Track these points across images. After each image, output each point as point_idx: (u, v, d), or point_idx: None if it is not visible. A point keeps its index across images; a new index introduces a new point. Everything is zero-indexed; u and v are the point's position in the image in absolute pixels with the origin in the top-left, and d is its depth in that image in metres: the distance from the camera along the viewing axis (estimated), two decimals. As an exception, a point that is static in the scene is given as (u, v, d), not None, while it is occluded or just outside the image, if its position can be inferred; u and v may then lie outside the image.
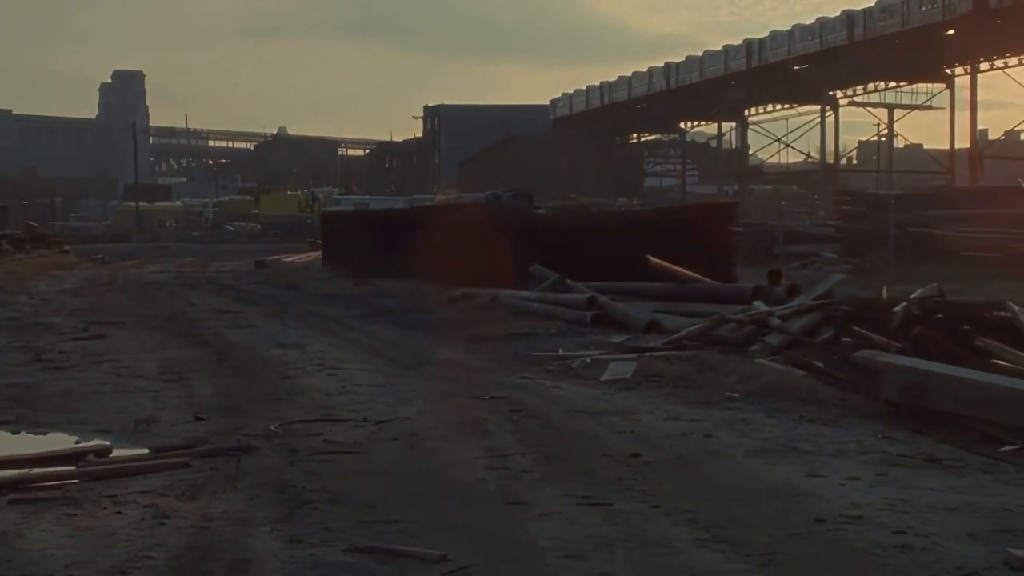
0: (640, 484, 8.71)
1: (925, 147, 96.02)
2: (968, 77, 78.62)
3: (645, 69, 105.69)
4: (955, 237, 28.73)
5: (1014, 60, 79.10)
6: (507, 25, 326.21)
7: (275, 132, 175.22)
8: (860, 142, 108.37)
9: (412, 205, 59.53)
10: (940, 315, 13.33)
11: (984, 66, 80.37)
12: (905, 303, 13.36)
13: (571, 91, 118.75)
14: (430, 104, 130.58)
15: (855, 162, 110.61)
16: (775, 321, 14.67)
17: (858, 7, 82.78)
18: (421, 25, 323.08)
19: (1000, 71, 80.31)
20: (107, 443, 10.47)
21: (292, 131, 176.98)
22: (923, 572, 6.72)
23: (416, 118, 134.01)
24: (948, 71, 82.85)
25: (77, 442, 10.68)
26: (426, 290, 25.07)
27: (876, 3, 78.04)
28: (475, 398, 12.54)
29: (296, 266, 41.63)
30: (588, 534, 7.40)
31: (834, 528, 7.55)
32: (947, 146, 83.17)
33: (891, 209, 28.27)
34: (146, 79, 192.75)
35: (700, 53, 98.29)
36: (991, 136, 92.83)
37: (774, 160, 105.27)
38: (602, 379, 13.61)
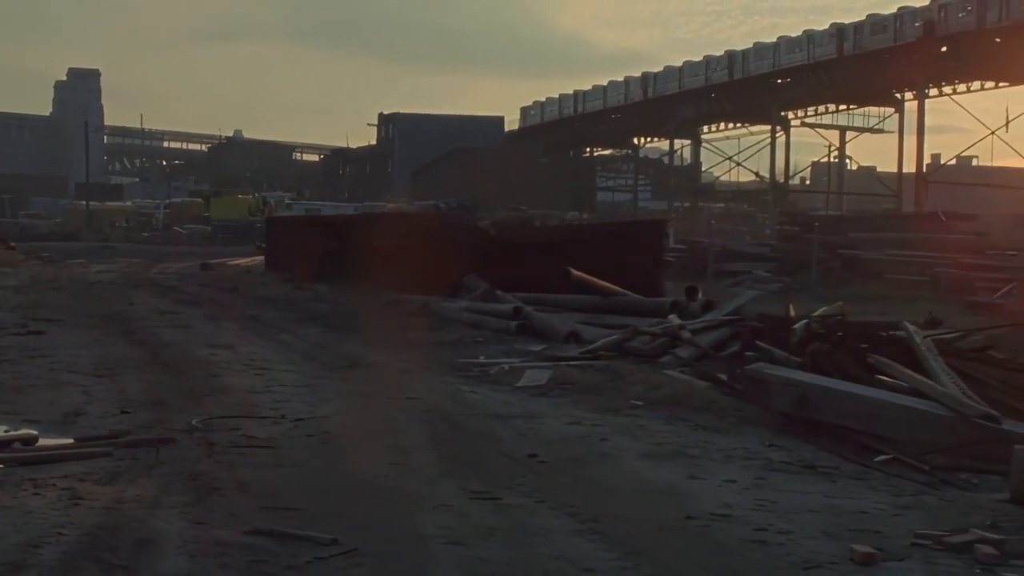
0: (532, 481, 9.30)
1: (879, 170, 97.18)
2: (929, 101, 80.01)
3: (606, 81, 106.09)
4: (881, 259, 29.55)
5: (962, 87, 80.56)
6: (467, 36, 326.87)
7: (230, 135, 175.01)
8: (814, 163, 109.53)
9: (360, 212, 59.95)
10: (841, 333, 14.04)
11: (933, 92, 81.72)
12: (805, 320, 14.05)
13: (543, 99, 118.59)
14: (385, 112, 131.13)
15: (808, 182, 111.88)
16: (686, 334, 15.35)
17: (816, 29, 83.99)
18: (381, 32, 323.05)
19: (947, 97, 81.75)
20: (35, 432, 10.90)
21: (248, 134, 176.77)
22: (772, 563, 7.34)
23: (371, 125, 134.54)
24: (898, 95, 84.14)
25: (6, 431, 11.06)
26: (363, 296, 25.61)
27: (867, 17, 78.82)
28: (392, 400, 13.12)
29: (240, 269, 42.04)
30: (474, 524, 7.98)
31: (701, 524, 8.17)
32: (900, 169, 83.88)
33: (816, 231, 29.07)
34: (102, 78, 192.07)
35: (669, 66, 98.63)
36: (943, 160, 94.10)
37: (728, 178, 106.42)
38: (517, 385, 14.25)
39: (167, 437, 10.67)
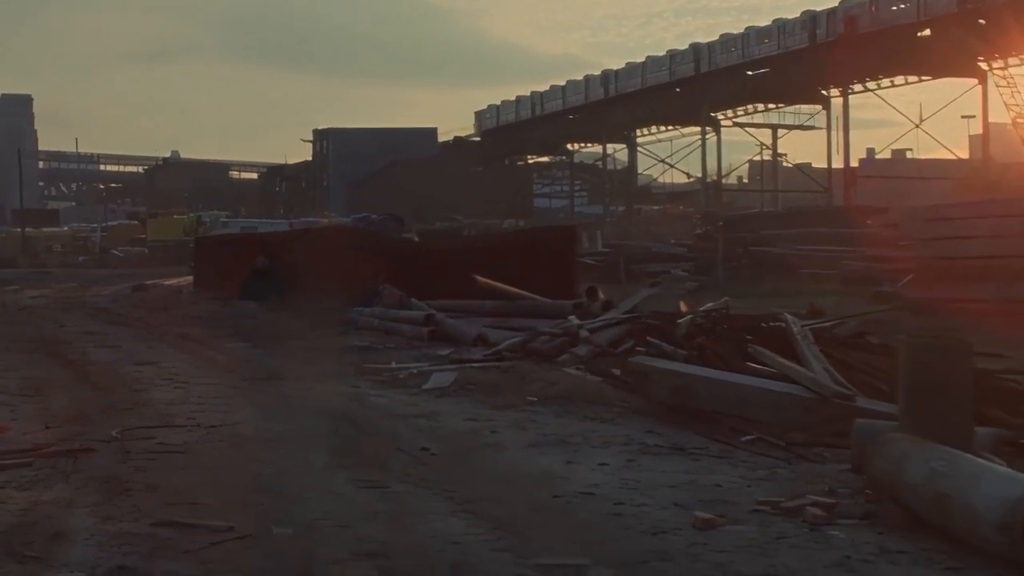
0: (420, 472, 10.16)
1: (814, 165, 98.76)
2: (855, 97, 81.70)
3: (549, 85, 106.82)
4: (791, 255, 30.64)
5: (886, 82, 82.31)
6: (401, 48, 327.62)
7: (167, 156, 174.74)
8: (750, 161, 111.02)
9: (294, 228, 60.53)
10: (725, 325, 15.03)
11: (858, 88, 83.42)
12: (691, 315, 15.01)
13: (499, 103, 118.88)
14: (320, 127, 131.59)
15: (746, 181, 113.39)
16: (584, 334, 16.27)
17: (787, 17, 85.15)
18: (315, 48, 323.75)
19: (872, 92, 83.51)
20: (-40, 449, 11.66)
21: (185, 154, 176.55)
22: (622, 532, 8.23)
23: (305, 141, 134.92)
24: (824, 92, 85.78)
25: (-68, 450, 11.81)
26: (289, 310, 26.33)
27: (840, 3, 79.73)
28: (303, 406, 13.95)
29: (172, 290, 42.43)
30: (360, 509, 8.84)
31: (566, 502, 9.05)
32: (837, 165, 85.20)
33: (720, 229, 30.20)
34: (35, 103, 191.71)
35: (630, 62, 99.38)
36: (878, 154, 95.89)
37: (664, 180, 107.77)
38: (423, 387, 15.09)
39: (87, 447, 11.42)
